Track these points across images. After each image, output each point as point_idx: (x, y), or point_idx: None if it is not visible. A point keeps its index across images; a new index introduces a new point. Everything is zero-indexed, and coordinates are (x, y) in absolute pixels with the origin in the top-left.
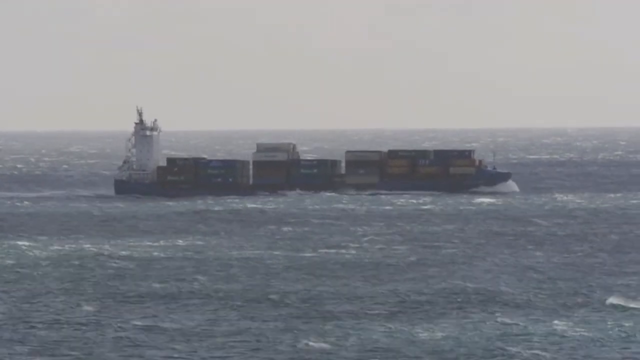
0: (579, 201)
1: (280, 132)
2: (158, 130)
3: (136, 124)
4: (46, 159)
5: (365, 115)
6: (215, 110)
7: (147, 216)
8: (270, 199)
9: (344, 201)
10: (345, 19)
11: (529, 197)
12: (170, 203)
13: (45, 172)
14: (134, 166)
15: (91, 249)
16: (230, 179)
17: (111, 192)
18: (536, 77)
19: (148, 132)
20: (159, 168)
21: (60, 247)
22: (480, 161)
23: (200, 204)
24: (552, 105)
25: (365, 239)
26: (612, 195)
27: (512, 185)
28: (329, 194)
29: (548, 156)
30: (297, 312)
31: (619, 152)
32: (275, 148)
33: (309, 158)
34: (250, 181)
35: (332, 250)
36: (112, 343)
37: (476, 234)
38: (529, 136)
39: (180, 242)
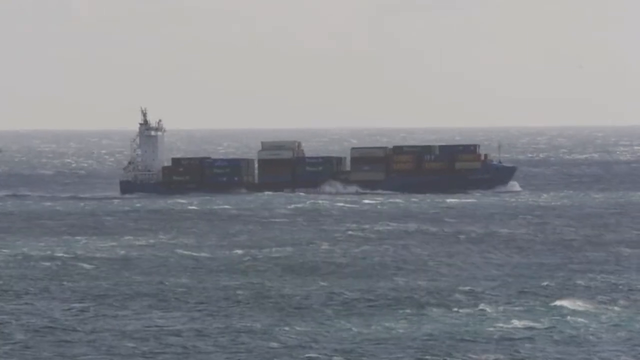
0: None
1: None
2: (163, 131)
3: (141, 124)
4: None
5: (341, 114)
6: (213, 109)
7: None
8: (249, 198)
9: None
10: (333, 18)
11: (498, 196)
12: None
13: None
14: (139, 167)
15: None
16: (236, 178)
17: (117, 193)
18: (521, 77)
19: (153, 133)
20: (165, 168)
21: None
22: (485, 155)
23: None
24: (532, 106)
25: (337, 236)
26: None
27: (514, 185)
28: (288, 194)
29: (522, 156)
30: (268, 309)
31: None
32: (280, 146)
33: (313, 155)
34: (256, 180)
35: (290, 248)
36: (87, 344)
37: (442, 235)
38: (506, 135)
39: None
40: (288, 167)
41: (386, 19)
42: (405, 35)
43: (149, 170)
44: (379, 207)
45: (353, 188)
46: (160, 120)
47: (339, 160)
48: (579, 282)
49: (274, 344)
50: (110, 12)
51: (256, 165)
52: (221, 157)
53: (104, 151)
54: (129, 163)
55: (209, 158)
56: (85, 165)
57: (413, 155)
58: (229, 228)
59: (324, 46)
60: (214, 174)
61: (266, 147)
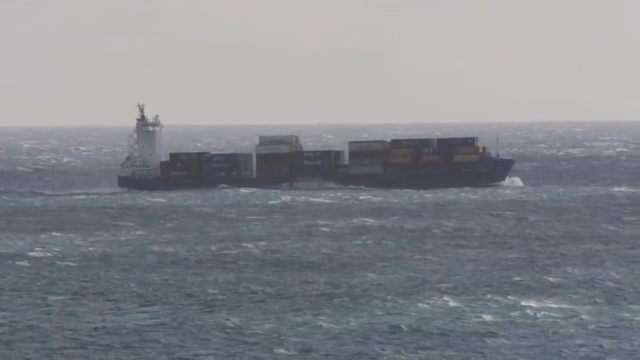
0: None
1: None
2: (160, 126)
3: (138, 120)
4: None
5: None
6: (211, 105)
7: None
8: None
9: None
10: (322, 16)
11: (471, 191)
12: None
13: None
14: (137, 162)
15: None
16: (234, 173)
17: (115, 189)
18: (502, 72)
19: (150, 128)
20: (162, 163)
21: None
22: (484, 148)
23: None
24: (514, 103)
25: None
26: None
27: (515, 181)
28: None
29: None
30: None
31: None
32: (277, 141)
33: (312, 150)
34: (254, 174)
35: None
36: (65, 339)
37: (415, 229)
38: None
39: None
40: (286, 162)
41: (375, 16)
42: (391, 32)
43: (146, 166)
44: (355, 202)
45: (331, 184)
46: (157, 116)
47: (337, 154)
48: (550, 277)
49: (250, 339)
50: (105, 11)
51: (254, 160)
52: (219, 151)
53: (82, 148)
54: (127, 159)
55: (207, 153)
56: (69, 161)
57: (411, 149)
58: (206, 224)
59: (313, 44)
60: (211, 169)
61: (264, 141)
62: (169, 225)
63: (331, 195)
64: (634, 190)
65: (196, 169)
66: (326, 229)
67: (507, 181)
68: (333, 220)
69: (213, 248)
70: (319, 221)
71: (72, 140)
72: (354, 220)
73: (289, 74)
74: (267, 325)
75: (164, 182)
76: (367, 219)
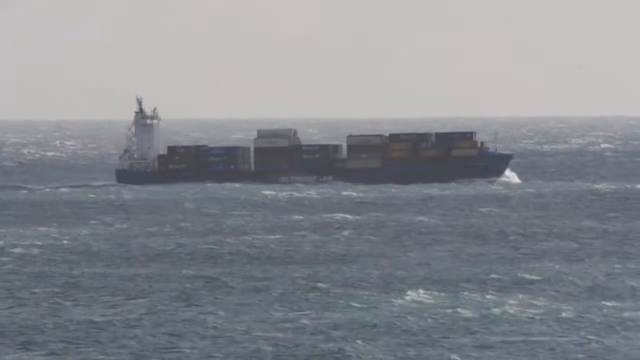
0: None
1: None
2: (158, 119)
3: (136, 113)
4: None
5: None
6: (206, 99)
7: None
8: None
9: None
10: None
11: (456, 187)
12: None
13: None
14: (135, 155)
15: None
16: (232, 166)
17: (113, 181)
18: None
19: (148, 121)
20: (160, 156)
21: None
22: (482, 143)
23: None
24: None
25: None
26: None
27: (512, 176)
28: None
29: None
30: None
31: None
32: (276, 134)
33: (310, 143)
34: (252, 168)
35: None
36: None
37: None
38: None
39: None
40: (284, 155)
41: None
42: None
43: (144, 159)
44: (335, 198)
45: (312, 178)
46: (155, 109)
47: (336, 148)
48: (530, 274)
49: (230, 333)
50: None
51: (252, 154)
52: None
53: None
54: (125, 151)
55: (205, 146)
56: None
57: (409, 143)
58: (185, 218)
59: (299, 34)
60: (210, 162)
61: (262, 135)
62: (148, 218)
63: (318, 190)
64: (616, 187)
65: (194, 162)
66: (307, 224)
67: (505, 176)
68: (313, 215)
69: (193, 242)
70: (299, 216)
71: (57, 135)
72: (336, 215)
73: (265, 66)
74: (247, 320)
75: (161, 175)
76: (347, 215)
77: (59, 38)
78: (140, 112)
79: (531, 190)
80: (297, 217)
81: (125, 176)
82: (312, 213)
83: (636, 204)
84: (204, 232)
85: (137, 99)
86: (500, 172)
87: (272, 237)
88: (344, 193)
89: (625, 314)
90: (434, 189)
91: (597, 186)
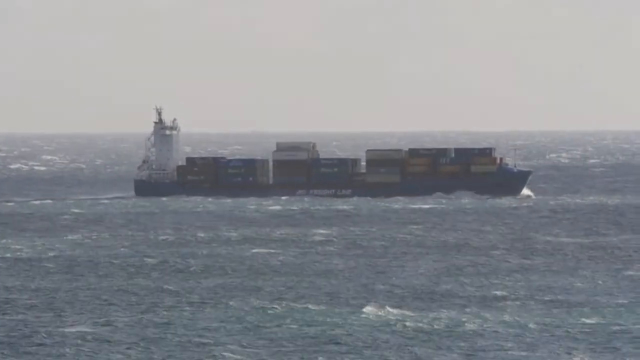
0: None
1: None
2: (177, 130)
3: (155, 123)
4: None
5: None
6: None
7: None
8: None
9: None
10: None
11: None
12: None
13: None
14: (154, 166)
15: None
16: (251, 178)
17: (131, 192)
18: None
19: (168, 132)
20: (179, 167)
21: None
22: (501, 159)
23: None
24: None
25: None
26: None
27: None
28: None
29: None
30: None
31: None
32: (295, 147)
33: (329, 157)
34: (271, 180)
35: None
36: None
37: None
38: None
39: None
40: (303, 168)
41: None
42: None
43: (163, 170)
44: (310, 209)
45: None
46: (175, 119)
47: (355, 162)
48: (492, 288)
49: (189, 344)
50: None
51: (271, 166)
52: (236, 157)
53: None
54: (144, 162)
55: (223, 158)
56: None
57: (428, 158)
58: (156, 229)
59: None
60: (228, 174)
61: (281, 147)
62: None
63: (303, 203)
64: (599, 201)
65: (212, 174)
66: (280, 236)
67: (523, 193)
68: (293, 229)
69: (156, 252)
70: (274, 229)
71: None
72: (306, 230)
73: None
74: (206, 330)
75: (180, 186)
76: (321, 230)
77: (59, 51)
78: (160, 123)
79: (503, 204)
80: (274, 229)
81: (144, 187)
82: (295, 225)
83: (615, 218)
84: (169, 243)
85: (157, 109)
86: (519, 189)
87: (246, 249)
88: (332, 206)
89: (596, 329)
90: (412, 202)
91: (573, 200)
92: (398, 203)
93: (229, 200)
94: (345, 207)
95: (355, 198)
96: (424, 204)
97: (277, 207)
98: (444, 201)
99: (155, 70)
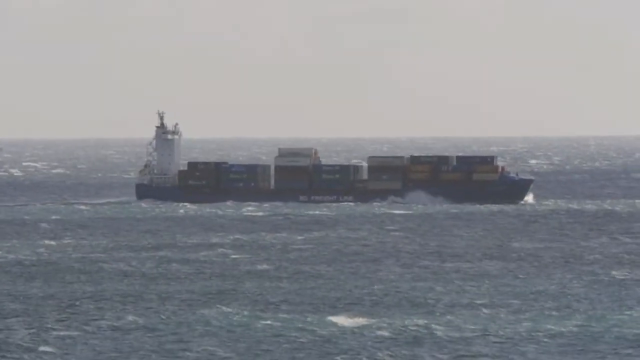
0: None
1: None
2: (179, 134)
3: (157, 127)
4: None
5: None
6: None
7: None
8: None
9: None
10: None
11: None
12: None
13: None
14: (155, 170)
15: None
16: (252, 184)
17: (132, 197)
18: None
19: (169, 136)
20: (181, 172)
21: None
22: (503, 167)
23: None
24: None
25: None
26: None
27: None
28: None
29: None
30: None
31: None
32: (297, 153)
33: (331, 163)
34: (272, 186)
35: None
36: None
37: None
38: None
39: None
40: (305, 174)
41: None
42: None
43: (164, 174)
44: (291, 217)
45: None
46: (177, 124)
47: (356, 169)
48: (467, 296)
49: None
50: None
51: (272, 172)
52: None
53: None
54: (145, 166)
55: (225, 163)
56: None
57: (430, 166)
58: (135, 233)
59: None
60: (230, 179)
61: (283, 153)
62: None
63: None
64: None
65: (214, 179)
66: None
67: (525, 200)
68: (257, 235)
69: (140, 256)
70: (251, 234)
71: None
72: (276, 235)
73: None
74: (171, 333)
75: (181, 191)
76: (298, 236)
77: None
78: (162, 127)
79: (475, 209)
80: (243, 235)
81: (145, 191)
82: (267, 230)
83: (594, 221)
84: (152, 248)
85: (159, 114)
86: (521, 198)
87: (215, 255)
88: (309, 211)
89: (570, 334)
90: (385, 207)
91: (541, 207)
92: (377, 208)
93: (228, 203)
94: (327, 212)
95: (336, 204)
96: (402, 209)
97: (260, 213)
98: (420, 206)
99: (157, 75)
